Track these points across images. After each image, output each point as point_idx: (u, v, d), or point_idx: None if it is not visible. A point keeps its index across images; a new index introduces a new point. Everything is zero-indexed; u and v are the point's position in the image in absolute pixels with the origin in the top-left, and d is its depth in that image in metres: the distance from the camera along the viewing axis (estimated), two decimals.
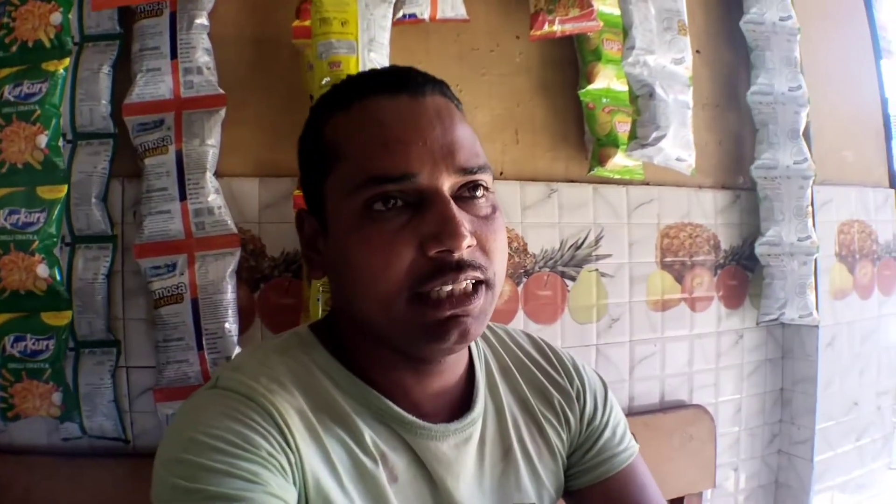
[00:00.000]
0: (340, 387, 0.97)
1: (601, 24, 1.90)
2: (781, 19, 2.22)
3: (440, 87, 0.99)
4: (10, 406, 1.45)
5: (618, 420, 1.23)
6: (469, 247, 0.89)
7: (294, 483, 0.86)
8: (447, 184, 0.90)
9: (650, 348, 2.15)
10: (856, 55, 2.56)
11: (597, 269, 2.07)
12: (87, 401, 1.56)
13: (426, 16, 1.75)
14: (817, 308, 2.23)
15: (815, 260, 2.23)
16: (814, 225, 2.24)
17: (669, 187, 2.19)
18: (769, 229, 2.22)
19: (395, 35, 1.70)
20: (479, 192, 0.94)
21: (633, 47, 1.89)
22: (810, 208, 2.24)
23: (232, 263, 1.60)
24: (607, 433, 1.19)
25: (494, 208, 0.96)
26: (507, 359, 1.18)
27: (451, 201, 0.89)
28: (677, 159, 1.94)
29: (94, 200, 1.57)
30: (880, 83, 2.59)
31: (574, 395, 1.18)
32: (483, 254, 0.92)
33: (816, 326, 2.26)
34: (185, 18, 1.57)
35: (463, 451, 1.02)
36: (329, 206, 0.95)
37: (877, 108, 2.59)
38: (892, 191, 2.58)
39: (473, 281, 0.91)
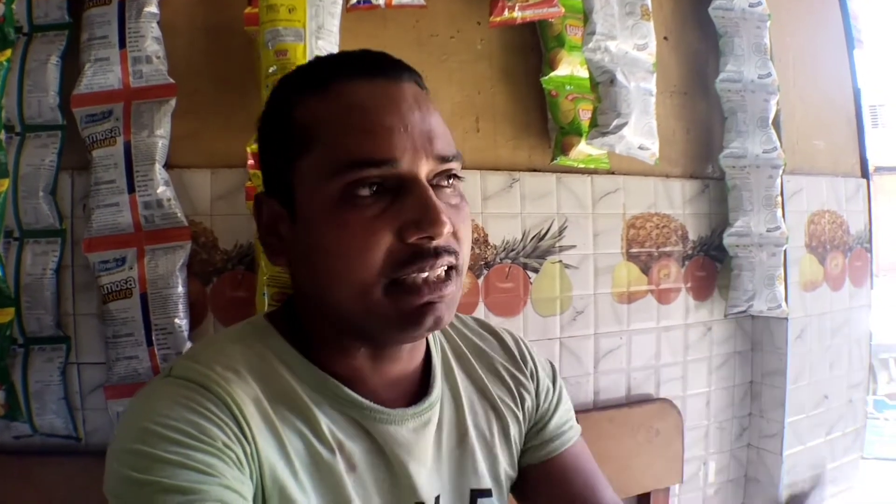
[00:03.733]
0: (297, 375, 0.99)
1: (563, 10, 1.95)
2: (751, 5, 2.27)
3: (414, 74, 1.01)
4: None
5: (566, 398, 1.30)
6: (447, 233, 0.92)
7: (250, 475, 0.87)
8: (425, 170, 0.93)
9: (616, 341, 2.21)
10: (828, 43, 2.62)
11: (560, 261, 2.12)
12: (37, 398, 1.60)
13: (381, 2, 1.79)
14: (787, 300, 2.29)
15: (785, 251, 2.28)
16: (783, 215, 2.29)
17: (635, 177, 2.24)
18: (738, 219, 2.28)
19: (351, 22, 1.75)
20: (451, 181, 0.98)
21: (593, 32, 1.92)
22: (780, 198, 2.29)
23: (182, 257, 1.64)
24: (559, 412, 1.26)
25: (462, 197, 1.01)
26: (462, 344, 1.23)
27: (430, 188, 0.92)
28: (640, 147, 1.99)
29: (41, 194, 1.60)
30: (852, 71, 2.65)
31: (528, 374, 1.24)
32: (455, 240, 0.96)
33: (786, 319, 2.32)
34: (134, 7, 1.60)
35: (422, 436, 1.06)
36: (300, 190, 0.96)
37: (849, 97, 2.66)
38: (864, 180, 2.65)
39: (447, 267, 0.95)
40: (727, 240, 2.30)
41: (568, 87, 2.08)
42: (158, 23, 1.66)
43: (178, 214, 1.64)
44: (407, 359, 1.08)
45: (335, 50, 1.65)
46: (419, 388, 1.10)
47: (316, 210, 0.93)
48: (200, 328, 1.72)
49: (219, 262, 1.75)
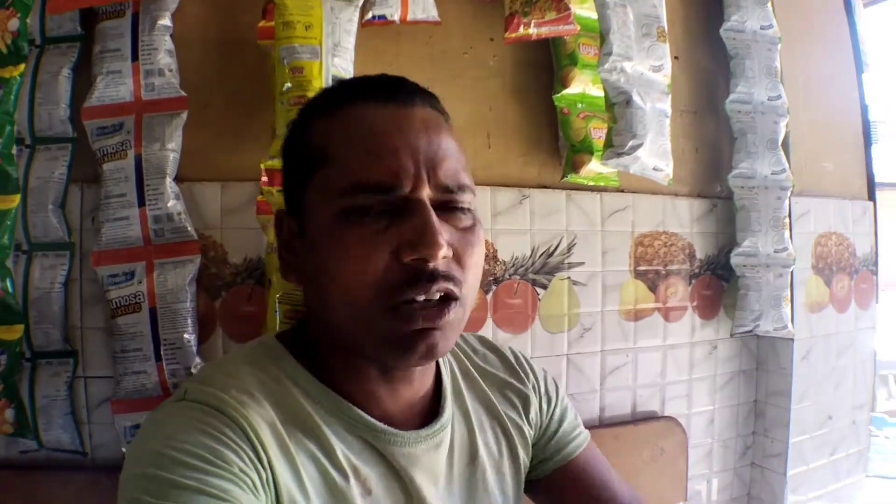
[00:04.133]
0: (311, 397, 0.98)
1: (578, 27, 1.94)
2: (762, 28, 2.28)
3: (430, 99, 1.02)
4: None
5: (569, 406, 1.32)
6: (445, 257, 0.91)
7: (265, 500, 0.86)
8: (428, 194, 0.92)
9: (622, 358, 2.20)
10: (838, 66, 2.62)
11: (569, 278, 2.12)
12: (44, 413, 1.59)
13: (396, 17, 1.78)
14: (793, 321, 2.29)
15: (792, 272, 2.29)
16: (791, 236, 2.30)
17: (644, 195, 2.24)
18: (745, 240, 2.28)
19: (365, 37, 1.74)
20: (461, 206, 0.97)
21: (610, 53, 1.92)
22: (788, 219, 2.30)
23: (192, 271, 1.63)
24: (565, 420, 1.28)
25: (475, 222, 0.99)
26: (468, 363, 1.23)
27: (432, 210, 0.91)
28: (654, 169, 1.99)
29: (50, 207, 1.59)
30: (861, 95, 2.66)
31: (531, 389, 1.26)
32: (458, 267, 0.94)
33: (791, 339, 2.32)
34: (148, 20, 1.60)
35: (435, 457, 1.05)
36: (308, 209, 0.97)
37: (857, 120, 2.66)
38: (871, 203, 2.66)
39: (444, 294, 0.92)
40: (734, 259, 2.30)
41: (580, 105, 2.08)
42: (171, 36, 1.65)
43: (189, 228, 1.63)
44: (419, 381, 1.07)
45: (351, 67, 1.66)
46: (430, 409, 1.10)
47: (319, 228, 0.94)
48: (209, 343, 1.71)
49: (228, 276, 1.74)
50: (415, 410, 1.08)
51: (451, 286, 0.92)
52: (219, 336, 1.73)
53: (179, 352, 1.60)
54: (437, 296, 0.92)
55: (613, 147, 1.94)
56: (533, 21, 1.88)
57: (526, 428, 1.22)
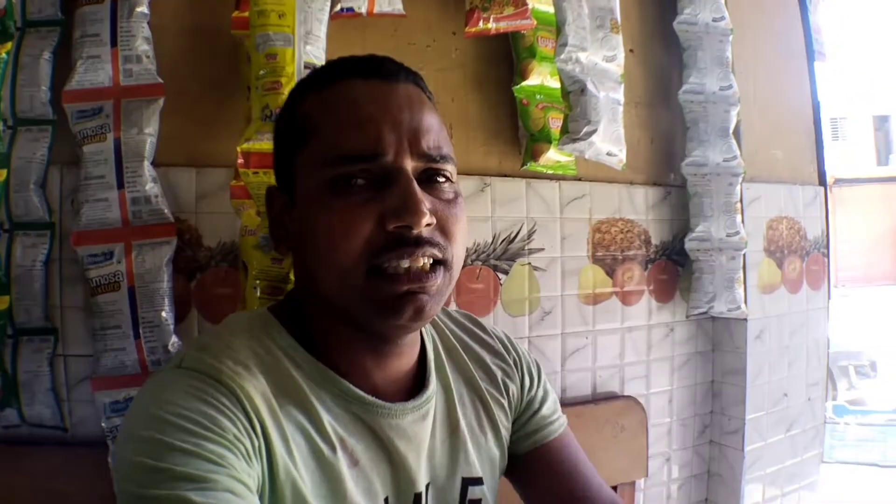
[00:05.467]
0: (301, 368, 1.02)
1: (535, 22, 2.03)
2: (714, 20, 2.37)
3: (413, 76, 1.08)
4: None
5: (550, 390, 1.37)
6: (428, 225, 0.96)
7: (258, 468, 0.90)
8: (411, 165, 0.98)
9: (582, 341, 2.29)
10: (789, 56, 2.74)
11: (529, 263, 2.20)
12: (26, 389, 1.63)
13: (363, 10, 1.86)
14: (746, 302, 2.40)
15: (744, 255, 2.39)
16: (742, 221, 2.40)
17: (601, 183, 2.34)
18: (699, 225, 2.38)
19: (333, 28, 1.80)
20: (443, 179, 1.02)
21: (565, 44, 2.00)
22: (739, 205, 2.40)
23: (168, 252, 1.68)
24: (545, 403, 1.33)
25: (457, 195, 1.05)
26: (451, 338, 1.28)
27: (414, 181, 0.97)
28: (608, 154, 2.07)
29: (32, 187, 1.64)
30: (812, 84, 2.78)
31: (513, 365, 1.31)
32: (442, 234, 0.99)
33: (745, 320, 2.43)
34: (126, 6, 1.65)
35: (421, 428, 1.10)
36: (298, 180, 1.03)
37: (808, 108, 2.78)
38: (822, 188, 2.77)
39: (431, 259, 0.98)
40: (688, 244, 2.39)
41: (538, 97, 2.16)
42: (149, 23, 1.69)
43: (165, 211, 1.68)
44: (407, 354, 1.12)
45: (323, 55, 1.72)
46: (415, 382, 1.15)
47: (309, 197, 1.00)
48: (185, 322, 1.76)
49: (203, 258, 1.80)
50: (401, 383, 1.12)
51: (436, 251, 0.98)
52: (194, 316, 1.78)
53: (157, 330, 1.65)
54: (422, 261, 0.97)
55: (569, 133, 2.02)
56: (492, 16, 1.97)
57: (506, 403, 1.27)
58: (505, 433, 1.27)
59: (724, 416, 2.51)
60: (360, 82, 1.02)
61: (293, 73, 1.59)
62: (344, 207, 0.96)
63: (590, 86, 2.02)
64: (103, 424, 1.63)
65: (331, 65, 1.09)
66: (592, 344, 2.31)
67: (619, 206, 2.38)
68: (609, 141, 2.07)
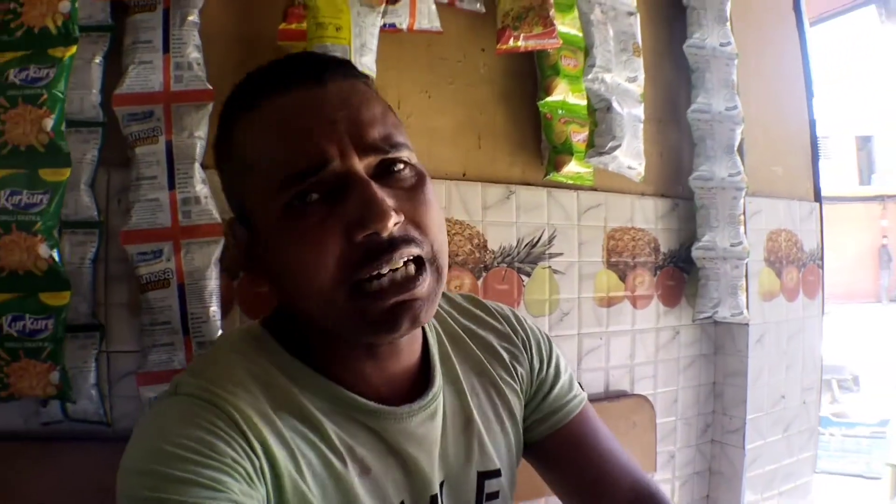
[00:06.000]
0: (299, 384, 0.92)
1: (560, 41, 1.95)
2: (721, 45, 2.30)
3: (341, 68, 0.93)
4: (5, 385, 1.38)
5: (565, 367, 1.23)
6: (397, 224, 0.84)
7: (261, 489, 0.82)
8: (362, 164, 0.86)
9: (596, 341, 2.19)
10: (788, 81, 2.67)
11: (549, 266, 2.11)
12: (73, 384, 1.49)
13: (404, 26, 1.77)
14: (747, 308, 2.31)
15: (746, 264, 2.31)
16: (745, 232, 2.32)
17: (615, 194, 2.25)
18: (705, 235, 2.30)
19: None
20: (400, 166, 0.89)
21: (593, 65, 1.94)
22: (742, 217, 2.32)
23: (216, 251, 1.56)
24: (558, 381, 1.20)
25: (420, 177, 0.91)
26: (455, 326, 1.15)
27: (370, 181, 0.84)
28: (629, 167, 2.01)
29: (83, 187, 1.52)
30: (809, 106, 2.71)
31: (521, 346, 1.17)
32: (415, 228, 0.87)
33: (747, 325, 2.34)
34: (178, 15, 1.55)
35: (430, 427, 1.00)
36: (253, 211, 0.91)
37: (805, 129, 2.70)
38: (817, 204, 2.70)
39: (411, 258, 0.86)
40: (695, 253, 2.31)
41: (560, 112, 2.09)
42: (199, 32, 1.59)
43: (213, 212, 1.57)
44: (406, 353, 1.00)
45: (374, 66, 1.64)
46: (420, 379, 1.03)
47: (268, 226, 0.88)
48: (228, 318, 1.65)
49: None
50: (404, 383, 1.01)
51: (414, 249, 0.86)
52: (237, 313, 1.68)
53: (205, 326, 1.54)
54: (402, 262, 0.85)
55: (595, 147, 1.96)
56: (522, 34, 1.88)
57: (517, 386, 1.15)
58: (520, 416, 1.15)
59: (725, 416, 2.42)
60: (285, 96, 0.88)
61: None
62: (306, 230, 0.84)
63: (615, 104, 1.95)
64: None
65: (251, 80, 0.96)
66: (606, 344, 2.22)
67: (631, 216, 2.29)
68: (630, 155, 2.01)
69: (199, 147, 1.57)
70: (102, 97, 1.56)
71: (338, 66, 0.93)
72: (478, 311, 1.20)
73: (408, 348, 1.00)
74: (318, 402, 0.91)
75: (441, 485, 1.01)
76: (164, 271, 1.52)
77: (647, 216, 2.32)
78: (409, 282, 0.86)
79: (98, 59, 1.55)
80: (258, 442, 0.82)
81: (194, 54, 1.57)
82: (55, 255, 1.40)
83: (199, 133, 1.57)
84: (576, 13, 2.02)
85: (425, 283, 0.87)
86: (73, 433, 1.58)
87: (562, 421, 1.16)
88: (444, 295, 1.17)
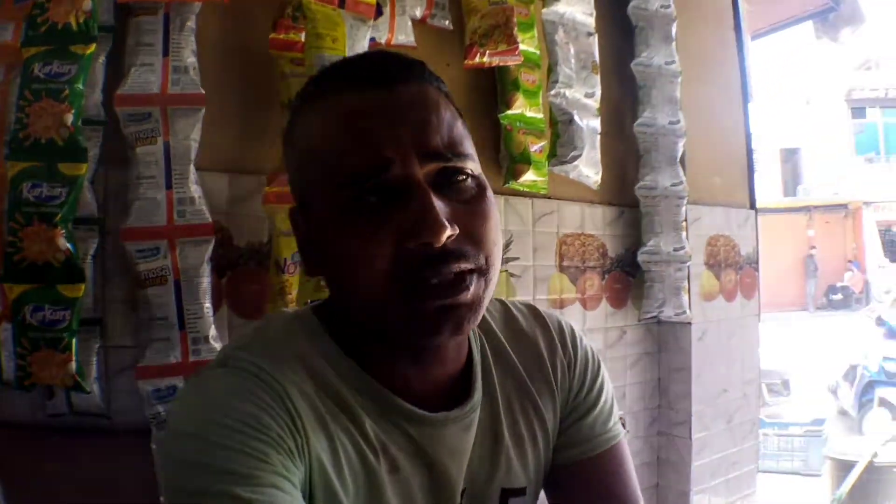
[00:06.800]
0: (342, 375, 0.90)
1: (522, 58, 2.08)
2: (667, 63, 2.49)
3: (416, 70, 0.90)
4: (28, 374, 1.41)
5: (606, 399, 1.13)
6: (450, 237, 0.81)
7: (300, 466, 0.82)
8: (422, 171, 0.83)
9: None
10: (727, 96, 2.88)
11: (507, 270, 2.22)
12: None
13: (384, 40, 1.89)
14: (690, 308, 2.49)
15: (688, 267, 2.49)
16: (687, 237, 2.50)
17: (567, 202, 2.39)
18: (650, 240, 2.48)
19: None
20: (462, 176, 0.86)
21: (556, 81, 2.11)
22: (684, 223, 2.51)
23: (208, 250, 1.62)
24: (595, 409, 1.10)
25: (481, 189, 0.88)
26: (501, 337, 1.08)
27: (428, 190, 0.82)
28: (587, 175, 2.17)
29: (85, 184, 1.54)
30: (746, 121, 2.93)
31: (567, 362, 1.10)
32: (470, 241, 0.84)
33: (689, 323, 2.53)
34: (178, 20, 1.61)
35: (464, 438, 0.97)
36: (312, 204, 0.90)
37: (742, 142, 2.92)
38: (753, 211, 2.92)
39: (458, 272, 0.83)
40: (641, 257, 2.48)
41: (519, 124, 2.20)
42: (195, 37, 1.65)
43: (205, 211, 1.63)
44: (451, 361, 0.97)
45: None
46: (460, 388, 0.99)
47: (325, 223, 0.86)
48: (217, 315, 1.69)
49: (233, 257, 1.75)
50: (444, 391, 0.97)
51: (464, 264, 0.83)
52: (225, 309, 1.74)
53: (200, 321, 1.60)
54: (451, 276, 0.82)
55: (558, 156, 2.12)
56: (487, 51, 2.01)
57: (556, 402, 1.07)
58: (553, 435, 1.07)
59: (671, 409, 2.58)
60: (354, 94, 0.86)
61: None
62: (359, 232, 0.82)
63: (576, 117, 2.11)
64: (147, 412, 1.56)
65: (323, 76, 0.94)
66: None
67: (581, 223, 2.44)
68: (589, 165, 2.17)
69: (194, 149, 1.63)
70: (104, 96, 1.60)
71: (411, 68, 0.91)
72: (530, 322, 1.12)
73: (452, 356, 0.97)
74: (359, 397, 0.90)
75: (462, 493, 0.99)
76: (162, 268, 1.58)
77: (596, 223, 2.48)
78: (456, 286, 0.82)
79: (102, 59, 1.59)
80: (301, 422, 0.82)
81: (191, 59, 1.63)
82: (71, 247, 1.44)
83: (193, 135, 1.62)
84: (535, 32, 2.16)
85: (470, 290, 0.84)
86: (77, 425, 1.60)
87: (587, 453, 1.07)
88: (500, 302, 1.14)
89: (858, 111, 24.48)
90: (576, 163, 2.11)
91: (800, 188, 24.92)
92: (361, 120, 0.84)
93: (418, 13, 2.01)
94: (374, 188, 0.82)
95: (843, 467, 5.78)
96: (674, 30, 2.51)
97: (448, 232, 0.79)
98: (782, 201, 23.65)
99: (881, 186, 22.20)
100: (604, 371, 1.13)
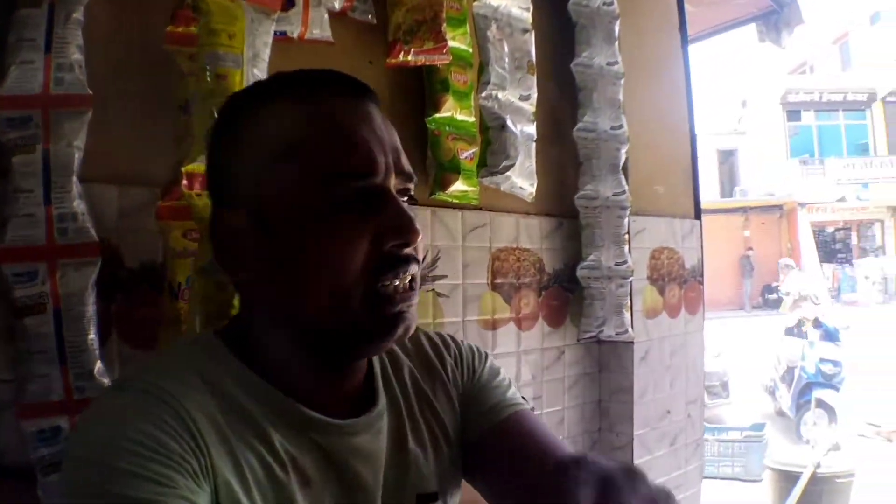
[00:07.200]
0: (249, 393, 0.93)
1: (450, 57, 2.01)
2: (609, 64, 2.45)
3: (375, 95, 1.01)
4: None
5: (501, 379, 1.22)
6: (420, 242, 0.94)
7: (206, 487, 0.83)
8: (393, 184, 0.94)
9: None
10: (670, 101, 2.87)
11: (433, 290, 2.15)
12: None
13: (296, 34, 1.79)
14: (632, 326, 2.46)
15: (630, 282, 2.46)
16: (629, 251, 2.48)
17: (500, 213, 2.33)
18: (590, 254, 2.43)
19: None
20: (407, 197, 0.98)
21: (488, 82, 2.03)
22: (626, 236, 2.48)
23: (93, 273, 1.51)
24: (490, 386, 1.19)
25: (413, 210, 1.00)
26: (396, 348, 1.17)
27: (399, 199, 0.94)
28: (520, 187, 2.11)
29: None
30: (691, 127, 2.92)
31: (453, 358, 1.19)
32: (417, 252, 0.96)
33: (631, 342, 2.50)
34: (63, 12, 1.49)
35: (376, 445, 1.02)
36: (276, 200, 0.93)
37: (686, 148, 2.91)
38: (698, 221, 2.91)
39: (413, 276, 0.95)
40: (580, 272, 2.43)
41: (448, 128, 2.13)
42: (82, 31, 1.53)
43: (90, 229, 1.51)
44: (360, 370, 1.05)
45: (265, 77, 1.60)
46: (365, 397, 1.06)
47: (295, 219, 0.91)
48: (106, 345, 1.57)
49: (124, 279, 1.63)
50: (351, 400, 1.04)
51: (417, 268, 0.95)
52: (114, 340, 1.61)
53: (83, 355, 1.47)
54: (409, 279, 0.94)
55: (488, 166, 2.05)
56: (412, 49, 1.94)
57: (454, 405, 1.16)
58: (457, 436, 1.15)
59: (612, 432, 2.56)
60: (342, 100, 0.96)
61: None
62: (341, 227, 0.90)
63: (509, 123, 2.05)
64: (32, 455, 1.43)
65: (305, 75, 1.01)
66: None
67: (516, 236, 2.38)
68: (523, 175, 2.11)
69: (78, 158, 1.50)
70: None
71: (373, 92, 1.01)
72: (414, 333, 1.17)
73: (361, 366, 1.05)
74: (266, 411, 0.93)
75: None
76: (40, 294, 1.45)
77: (532, 236, 2.42)
78: (408, 294, 0.94)
79: None
80: (204, 442, 0.84)
81: (76, 55, 1.51)
82: None
83: (77, 142, 1.49)
84: (467, 28, 2.09)
85: (416, 298, 0.96)
86: None
87: (493, 420, 1.15)
88: None
89: (793, 114, 27.13)
90: (508, 173, 2.05)
91: (736, 189, 26.87)
92: (355, 125, 0.94)
93: (337, 5, 1.92)
94: (359, 190, 0.91)
95: (786, 477, 6.06)
96: (617, 29, 2.48)
97: (421, 236, 0.93)
98: (719, 202, 25.41)
99: (815, 188, 24.33)
100: (492, 359, 1.25)
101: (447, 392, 1.17)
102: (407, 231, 0.91)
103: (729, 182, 28.03)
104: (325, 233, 0.90)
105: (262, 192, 0.94)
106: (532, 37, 2.18)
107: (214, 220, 0.99)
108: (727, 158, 28.41)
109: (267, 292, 0.98)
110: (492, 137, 2.07)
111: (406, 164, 0.98)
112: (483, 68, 2.07)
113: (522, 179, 2.11)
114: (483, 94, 2.04)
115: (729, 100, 29.54)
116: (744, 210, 24.89)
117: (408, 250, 0.93)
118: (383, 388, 1.10)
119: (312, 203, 0.90)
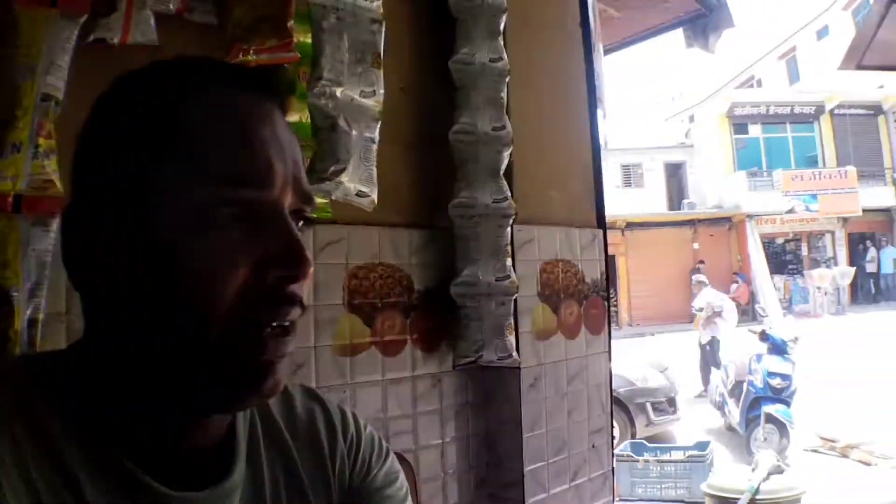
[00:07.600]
0: (72, 441, 0.93)
1: (298, 55, 2.15)
2: (492, 60, 2.58)
3: (281, 97, 1.03)
4: None
5: (400, 485, 1.29)
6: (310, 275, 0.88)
7: None
8: (289, 203, 0.95)
9: (339, 395, 2.40)
10: (569, 102, 3.02)
11: None
12: None
13: (116, 40, 1.96)
14: (518, 349, 2.57)
15: (515, 300, 2.56)
16: (514, 265, 2.58)
17: (360, 226, 2.47)
18: (465, 269, 2.55)
19: (79, 55, 1.90)
20: (303, 221, 0.99)
21: (320, 77, 2.16)
22: (510, 248, 2.58)
23: None
24: (384, 495, 1.26)
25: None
26: (277, 416, 1.19)
27: (293, 224, 0.92)
28: (357, 194, 2.23)
29: None
30: (593, 127, 3.06)
31: (347, 446, 1.24)
32: (301, 290, 0.95)
33: (518, 368, 2.61)
34: None
35: None
36: (150, 202, 0.92)
37: (588, 152, 3.06)
38: (601, 231, 3.02)
39: (291, 321, 0.92)
40: (454, 290, 2.55)
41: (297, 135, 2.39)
42: None
43: None
44: (216, 427, 1.03)
45: (63, 85, 1.79)
46: (219, 462, 1.05)
47: (169, 226, 0.90)
48: None
49: None
50: (200, 463, 1.02)
51: (298, 312, 0.94)
52: None
53: None
54: (286, 323, 0.92)
55: (315, 172, 2.15)
56: (252, 48, 2.08)
57: (331, 499, 1.19)
58: None
59: (501, 468, 2.70)
60: (244, 95, 0.97)
61: (29, 106, 1.66)
62: (215, 245, 0.89)
63: (341, 122, 2.18)
64: None
65: (197, 65, 1.01)
66: (351, 398, 2.44)
67: (378, 251, 2.52)
68: (360, 181, 2.24)
69: None
70: None
71: (281, 94, 1.01)
72: (310, 402, 1.27)
73: (218, 422, 1.04)
74: (86, 466, 0.95)
75: None
76: None
77: (398, 250, 2.55)
78: (282, 341, 0.93)
79: None
80: (5, 499, 0.84)
81: None
82: None
83: None
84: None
85: (291, 347, 0.94)
86: None
87: None
88: None
89: (740, 127, 34.01)
90: (340, 178, 2.18)
91: (685, 202, 32.26)
92: (256, 125, 0.95)
93: (171, 6, 2.10)
94: (249, 202, 0.91)
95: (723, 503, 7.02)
96: (502, 22, 2.58)
97: (311, 269, 0.92)
98: (668, 215, 30.61)
99: (764, 200, 30.00)
100: (394, 460, 1.27)
101: (327, 482, 1.18)
102: (297, 263, 0.90)
103: (677, 195, 33.84)
104: (199, 246, 0.88)
105: (136, 192, 0.93)
106: (382, 27, 2.33)
107: (74, 222, 0.98)
108: (675, 171, 34.60)
109: (117, 312, 0.97)
110: (321, 139, 2.19)
111: (306, 182, 0.97)
112: (315, 62, 2.17)
113: (360, 185, 2.25)
114: (314, 91, 2.14)
115: (675, 113, 36.78)
116: (692, 223, 30.61)
117: (294, 287, 0.91)
118: (248, 458, 1.08)
119: (189, 207, 0.89)
